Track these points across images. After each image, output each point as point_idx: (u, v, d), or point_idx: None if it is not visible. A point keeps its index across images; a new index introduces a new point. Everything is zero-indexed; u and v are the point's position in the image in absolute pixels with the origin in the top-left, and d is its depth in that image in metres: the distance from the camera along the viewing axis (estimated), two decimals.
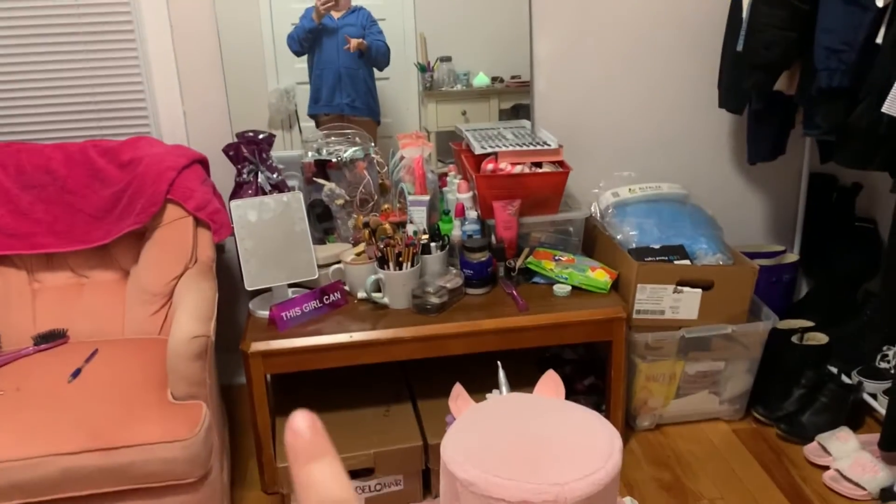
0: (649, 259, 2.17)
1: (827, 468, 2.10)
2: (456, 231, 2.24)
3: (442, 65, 2.48)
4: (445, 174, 2.42)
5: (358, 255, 2.16)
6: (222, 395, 2.26)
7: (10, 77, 2.27)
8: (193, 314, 1.76)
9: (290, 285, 2.13)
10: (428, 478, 2.05)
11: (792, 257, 2.68)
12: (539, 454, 1.53)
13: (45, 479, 1.58)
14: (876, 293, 2.47)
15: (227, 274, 2.52)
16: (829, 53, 1.89)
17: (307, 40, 2.38)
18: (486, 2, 2.44)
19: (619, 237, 2.28)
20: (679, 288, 2.15)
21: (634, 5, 2.50)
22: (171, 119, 2.36)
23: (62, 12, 2.23)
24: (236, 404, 2.52)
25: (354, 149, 2.33)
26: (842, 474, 2.04)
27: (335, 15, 2.36)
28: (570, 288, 2.14)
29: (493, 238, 2.23)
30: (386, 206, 2.32)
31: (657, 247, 2.22)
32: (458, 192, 2.28)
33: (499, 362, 1.92)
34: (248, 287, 2.02)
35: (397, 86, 2.47)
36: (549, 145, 2.23)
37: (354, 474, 1.96)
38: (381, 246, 2.06)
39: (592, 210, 2.44)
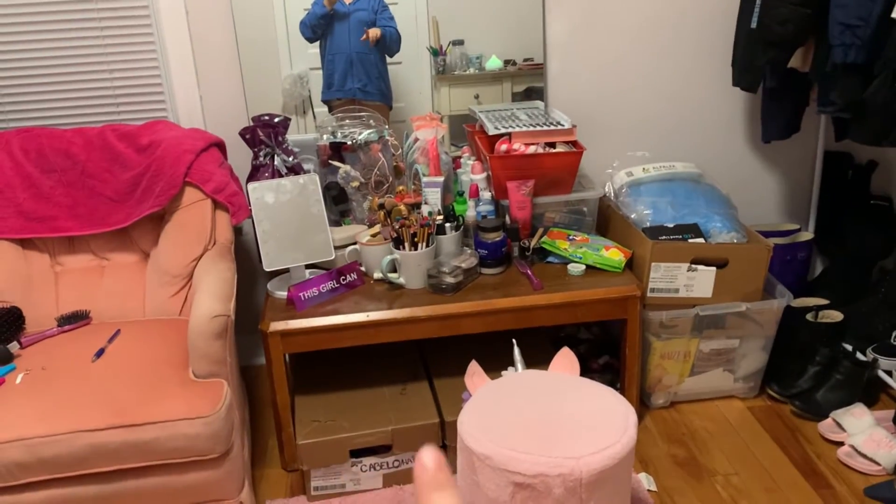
0: (663, 238, 2.17)
1: (841, 444, 2.11)
2: (470, 212, 2.25)
3: (454, 48, 2.49)
4: (459, 157, 2.43)
5: (373, 236, 2.18)
6: (241, 375, 2.30)
7: (29, 63, 2.30)
8: (214, 294, 1.78)
9: (307, 266, 2.15)
10: (445, 455, 2.07)
11: (806, 235, 2.68)
12: (555, 429, 1.55)
13: (71, 455, 1.62)
14: (891, 270, 2.46)
15: (244, 257, 2.55)
16: (843, 29, 1.88)
17: (319, 26, 2.39)
18: None
19: (633, 216, 2.29)
20: (693, 266, 2.15)
21: None
22: (187, 103, 2.38)
23: None
24: (255, 385, 2.56)
25: (369, 131, 2.35)
26: (856, 450, 2.05)
27: (346, 0, 2.37)
28: (584, 267, 2.15)
29: (507, 218, 2.25)
30: (401, 187, 2.34)
31: (671, 225, 2.22)
32: (472, 173, 2.29)
33: (514, 340, 1.94)
34: (267, 268, 2.05)
35: (410, 70, 2.49)
36: (562, 125, 2.24)
37: (372, 451, 2.00)
38: (397, 227, 2.08)
39: (606, 190, 2.45)
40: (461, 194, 2.34)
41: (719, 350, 2.27)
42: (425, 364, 2.28)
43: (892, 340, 2.31)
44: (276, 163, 2.23)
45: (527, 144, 2.22)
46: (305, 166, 2.33)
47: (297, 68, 2.43)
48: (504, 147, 2.22)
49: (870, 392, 2.31)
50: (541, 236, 2.25)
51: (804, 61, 2.18)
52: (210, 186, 2.10)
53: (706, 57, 2.58)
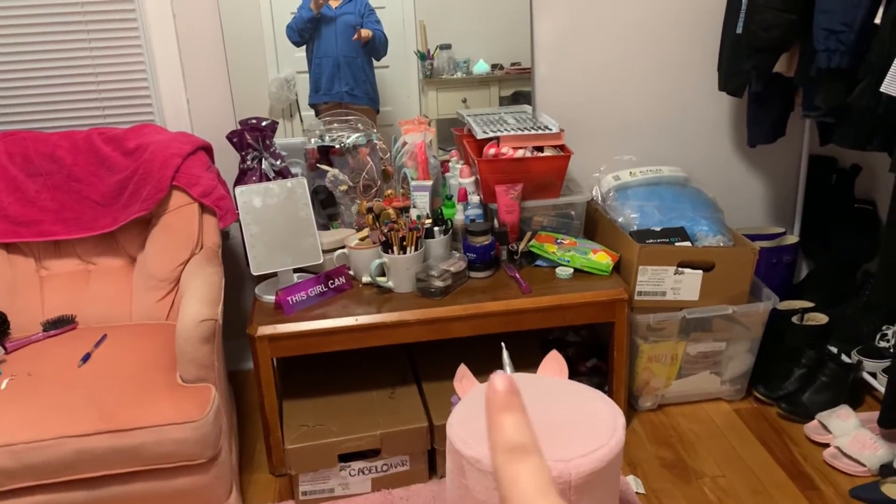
0: (651, 241, 2.19)
1: (827, 446, 2.13)
2: (459, 215, 2.26)
3: (442, 52, 2.49)
4: (447, 160, 2.44)
5: (362, 239, 2.18)
6: (229, 380, 2.29)
7: (14, 66, 2.29)
8: (201, 298, 1.78)
9: (296, 270, 2.15)
10: (433, 458, 2.07)
11: (792, 239, 2.70)
12: (544, 432, 1.56)
13: (58, 461, 1.61)
14: (874, 273, 2.49)
15: (231, 261, 2.54)
16: (828, 34, 1.90)
17: (306, 30, 2.39)
18: None
19: (620, 220, 2.30)
20: (680, 269, 2.17)
21: None
22: (174, 106, 2.37)
23: (66, 1, 2.24)
24: (242, 389, 2.54)
25: (357, 135, 2.35)
26: (842, 451, 2.07)
27: (333, 4, 2.38)
28: (572, 270, 2.16)
29: (495, 222, 2.25)
30: (389, 191, 2.34)
31: (658, 229, 2.24)
32: (461, 177, 2.29)
33: (502, 343, 1.94)
34: (255, 272, 2.04)
35: (397, 74, 2.49)
36: (550, 130, 2.25)
37: (361, 455, 1.99)
38: (385, 230, 2.08)
39: (594, 193, 2.46)
40: (449, 198, 2.34)
41: (706, 353, 2.29)
42: (414, 368, 2.28)
43: (876, 342, 2.33)
44: (263, 166, 2.23)
45: (515, 148, 2.22)
46: (293, 170, 2.32)
47: (284, 72, 2.43)
48: (492, 151, 2.23)
49: (855, 394, 2.33)
50: (529, 240, 2.25)
51: (789, 66, 2.20)
52: (197, 190, 2.09)
53: (692, 61, 2.61)
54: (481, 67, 2.52)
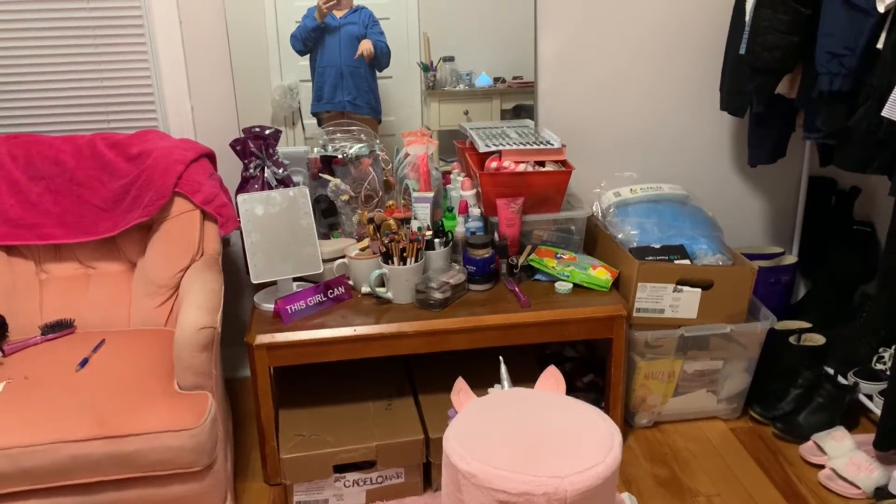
0: (650, 258, 2.19)
1: (822, 467, 2.13)
2: (459, 228, 2.26)
3: (445, 64, 2.51)
4: (449, 172, 2.44)
5: (362, 250, 2.19)
6: (225, 387, 2.28)
7: (19, 70, 2.29)
8: (200, 305, 1.78)
9: (295, 279, 2.15)
10: (429, 471, 2.07)
11: (790, 259, 2.71)
12: (540, 447, 1.56)
13: (53, 466, 1.60)
14: (872, 296, 2.50)
15: (230, 268, 2.54)
16: (830, 57, 1.92)
17: (310, 39, 2.40)
18: (491, 1, 2.46)
19: (620, 236, 2.31)
20: (679, 287, 2.17)
21: (639, 7, 2.53)
22: (178, 113, 2.38)
23: (73, 6, 2.25)
24: (238, 397, 2.54)
25: (360, 145, 2.36)
26: (837, 473, 2.07)
27: (337, 14, 2.39)
28: (571, 285, 2.17)
29: (496, 235, 2.26)
30: (390, 202, 2.34)
31: (658, 246, 2.24)
32: (462, 190, 2.30)
33: (500, 357, 1.94)
34: (254, 280, 2.05)
35: (400, 85, 2.50)
36: (552, 144, 2.26)
37: (356, 467, 1.99)
38: (386, 241, 2.08)
39: (594, 209, 2.47)
40: (450, 210, 2.35)
41: (703, 371, 2.29)
42: (411, 380, 2.28)
43: (873, 365, 2.33)
44: (266, 175, 2.23)
45: (516, 162, 2.23)
46: (295, 178, 2.33)
47: (287, 80, 2.44)
48: (494, 164, 2.23)
49: (851, 416, 2.33)
50: (529, 254, 2.26)
51: (791, 88, 2.21)
52: (199, 197, 2.09)
53: (695, 80, 2.62)
54: (484, 80, 2.54)
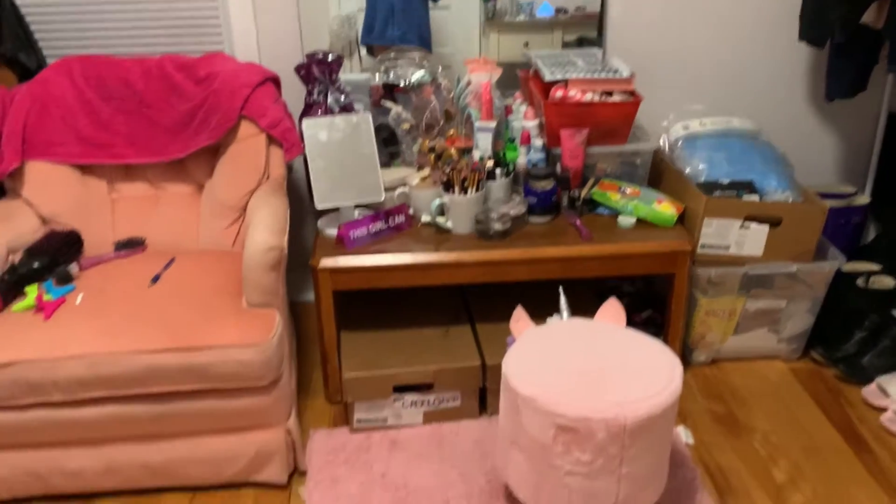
0: (718, 193, 2.14)
1: (885, 410, 2.10)
2: (521, 158, 2.24)
3: None
4: (510, 103, 2.40)
5: (423, 179, 2.19)
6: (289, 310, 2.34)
7: None
8: (268, 227, 1.81)
9: (356, 207, 2.17)
10: (485, 397, 2.11)
11: (863, 199, 2.62)
12: (601, 375, 1.57)
13: (128, 374, 1.68)
14: None
15: (292, 196, 2.57)
16: None
17: None
18: None
19: (687, 170, 2.25)
20: (746, 224, 2.12)
21: None
22: (244, 37, 2.38)
23: None
24: (300, 321, 2.61)
25: (421, 72, 2.33)
26: None
27: None
28: (634, 220, 2.14)
29: (558, 167, 2.23)
30: (451, 131, 2.33)
31: (726, 181, 2.19)
32: (525, 120, 2.27)
33: (560, 287, 1.95)
34: (318, 205, 2.07)
35: (458, 15, 2.44)
36: (620, 74, 2.19)
37: (414, 388, 2.03)
38: (447, 171, 2.07)
39: (661, 142, 2.41)
40: (512, 140, 2.32)
41: (765, 310, 2.25)
42: (468, 309, 2.30)
43: None
44: (329, 101, 2.23)
45: (583, 92, 2.18)
46: (356, 106, 2.32)
47: (346, 9, 2.41)
48: (560, 94, 2.19)
49: None
50: (592, 186, 2.23)
51: (878, 17, 2.09)
52: (265, 121, 2.11)
53: (771, 7, 2.50)
54: (545, 10, 2.46)
